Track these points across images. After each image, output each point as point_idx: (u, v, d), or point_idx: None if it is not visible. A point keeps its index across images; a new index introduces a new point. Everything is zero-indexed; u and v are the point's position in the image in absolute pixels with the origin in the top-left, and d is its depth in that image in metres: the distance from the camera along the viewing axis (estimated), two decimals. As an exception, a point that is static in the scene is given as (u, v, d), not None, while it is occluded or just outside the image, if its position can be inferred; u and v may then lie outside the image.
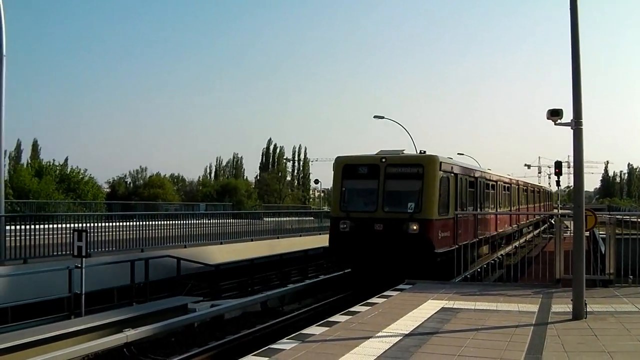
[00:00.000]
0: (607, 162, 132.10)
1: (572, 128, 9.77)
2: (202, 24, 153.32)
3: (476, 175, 21.46)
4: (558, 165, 31.44)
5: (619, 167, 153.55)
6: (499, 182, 25.67)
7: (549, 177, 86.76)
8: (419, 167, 17.20)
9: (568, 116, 9.85)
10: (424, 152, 18.60)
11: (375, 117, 40.93)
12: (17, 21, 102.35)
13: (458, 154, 47.57)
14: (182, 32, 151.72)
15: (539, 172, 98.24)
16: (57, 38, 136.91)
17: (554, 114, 9.98)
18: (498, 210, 25.27)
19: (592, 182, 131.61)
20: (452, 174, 18.13)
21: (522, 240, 29.40)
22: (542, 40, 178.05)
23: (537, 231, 37.94)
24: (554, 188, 56.71)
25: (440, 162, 17.25)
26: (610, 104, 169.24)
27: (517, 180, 32.47)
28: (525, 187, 35.57)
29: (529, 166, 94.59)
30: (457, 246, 16.51)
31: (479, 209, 21.35)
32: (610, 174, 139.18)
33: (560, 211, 36.83)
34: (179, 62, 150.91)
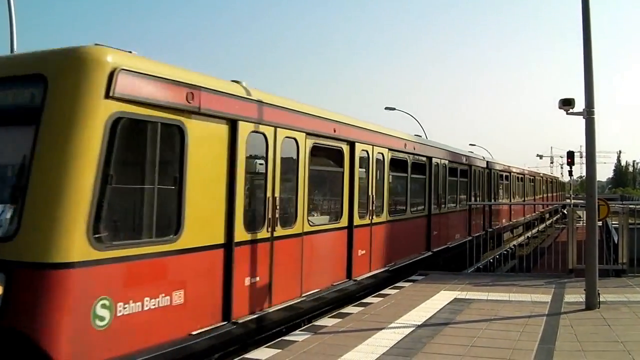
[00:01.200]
0: (620, 151, 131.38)
1: (584, 117, 9.72)
2: (203, 13, 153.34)
3: (344, 135, 10.83)
4: (570, 155, 31.19)
5: (631, 157, 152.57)
6: (435, 159, 16.34)
7: (562, 167, 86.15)
8: (34, 84, 5.97)
9: (580, 105, 9.79)
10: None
11: (386, 108, 40.75)
12: (31, 17, 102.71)
13: (470, 144, 47.13)
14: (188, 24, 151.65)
15: (551, 162, 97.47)
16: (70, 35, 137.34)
17: (566, 104, 9.93)
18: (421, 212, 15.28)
19: (604, 172, 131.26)
20: (218, 120, 7.48)
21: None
22: (554, 28, 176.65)
23: (521, 237, 28.61)
24: (566, 178, 55.88)
25: (115, 72, 5.96)
26: (623, 92, 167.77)
27: (489, 162, 23.11)
28: (501, 173, 25.46)
29: (541, 156, 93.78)
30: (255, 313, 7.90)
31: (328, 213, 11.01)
32: (623, 163, 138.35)
33: (572, 201, 36.13)
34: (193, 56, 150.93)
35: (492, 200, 22.94)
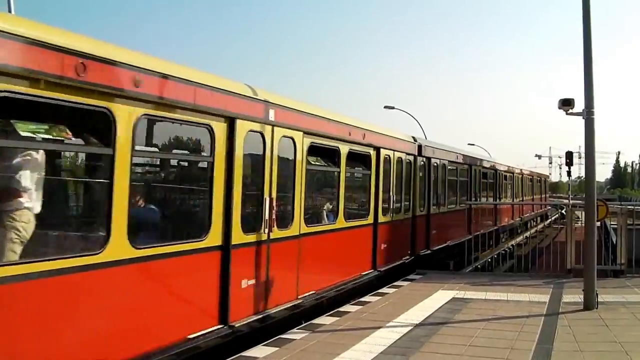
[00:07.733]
0: (619, 152, 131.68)
1: (583, 118, 9.70)
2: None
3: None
4: (569, 155, 31.17)
5: (630, 158, 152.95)
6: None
7: (560, 168, 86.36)
8: None
9: (580, 105, 9.77)
10: None
11: (385, 107, 40.69)
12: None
13: (468, 144, 46.88)
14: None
15: (550, 163, 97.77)
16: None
17: (565, 104, 9.91)
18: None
19: (603, 173, 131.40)
20: None
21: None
22: (554, 27, 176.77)
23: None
24: (564, 178, 54.74)
25: None
26: (623, 92, 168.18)
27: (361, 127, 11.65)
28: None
29: (539, 156, 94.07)
30: None
31: None
32: (622, 164, 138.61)
33: (571, 201, 35.82)
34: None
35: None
